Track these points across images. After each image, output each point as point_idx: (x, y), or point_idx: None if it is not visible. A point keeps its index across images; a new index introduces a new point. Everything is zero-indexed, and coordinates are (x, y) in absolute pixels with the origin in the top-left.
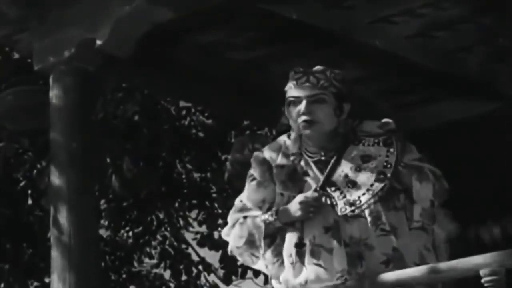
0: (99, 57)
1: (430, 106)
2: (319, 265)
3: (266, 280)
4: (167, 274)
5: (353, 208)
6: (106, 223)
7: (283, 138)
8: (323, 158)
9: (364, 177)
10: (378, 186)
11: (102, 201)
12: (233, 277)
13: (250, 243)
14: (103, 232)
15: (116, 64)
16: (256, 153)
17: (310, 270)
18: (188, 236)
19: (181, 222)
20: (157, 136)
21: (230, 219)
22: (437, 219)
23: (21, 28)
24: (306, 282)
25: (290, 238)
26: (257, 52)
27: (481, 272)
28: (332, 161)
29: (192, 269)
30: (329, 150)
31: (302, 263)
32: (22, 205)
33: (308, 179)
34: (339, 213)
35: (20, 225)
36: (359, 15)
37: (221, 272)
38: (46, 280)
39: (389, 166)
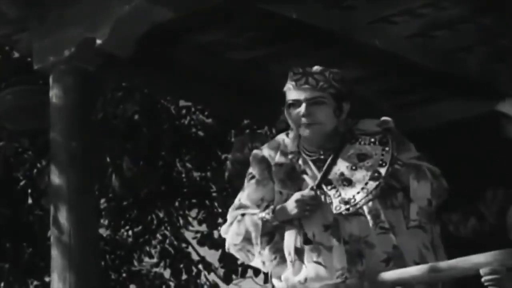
0: (99, 57)
1: (430, 106)
2: (319, 263)
3: (266, 279)
4: (167, 273)
5: (348, 206)
6: (106, 222)
7: (281, 137)
8: (322, 156)
9: (360, 176)
10: (372, 184)
11: (102, 201)
12: (233, 276)
13: (248, 240)
14: (103, 231)
15: (116, 64)
16: (255, 152)
17: (310, 268)
18: (188, 235)
19: (181, 221)
20: (157, 136)
21: (229, 216)
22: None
23: (21, 27)
24: (306, 280)
25: (289, 236)
26: (257, 52)
27: (481, 271)
28: (329, 159)
29: (192, 268)
30: (328, 149)
31: (302, 261)
32: (22, 204)
33: (306, 177)
34: (334, 211)
35: (20, 224)
36: (359, 15)
37: (221, 271)
38: (46, 279)
39: (384, 164)
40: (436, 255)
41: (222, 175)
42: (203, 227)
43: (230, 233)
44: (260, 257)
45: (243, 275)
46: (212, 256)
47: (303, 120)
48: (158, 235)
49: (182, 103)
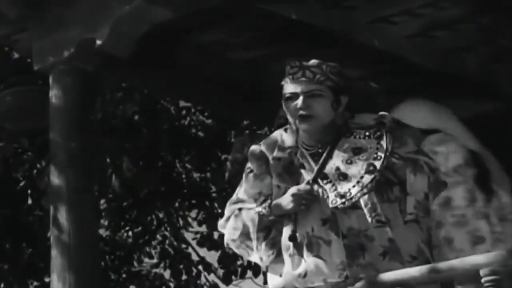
0: (98, 57)
1: None
2: (319, 257)
3: (266, 280)
4: (167, 274)
5: (343, 200)
6: (106, 222)
7: (279, 132)
8: (320, 150)
9: (355, 170)
10: (368, 178)
11: (102, 201)
12: (233, 277)
13: (245, 235)
14: (102, 232)
15: (115, 64)
16: (253, 147)
17: (309, 261)
18: (188, 236)
19: (181, 222)
20: (156, 136)
21: (226, 211)
22: None
23: (20, 28)
24: (306, 273)
25: (287, 231)
26: (257, 52)
27: (481, 272)
28: (325, 153)
29: (192, 268)
30: (326, 143)
31: (301, 255)
32: (22, 205)
33: (304, 171)
34: (330, 205)
35: (20, 225)
36: (359, 15)
37: (220, 272)
38: (46, 279)
39: (379, 158)
40: (432, 253)
41: (222, 176)
42: (203, 228)
43: (228, 228)
44: (258, 253)
45: (243, 276)
46: (212, 256)
47: (300, 112)
48: (158, 236)
49: (182, 103)
